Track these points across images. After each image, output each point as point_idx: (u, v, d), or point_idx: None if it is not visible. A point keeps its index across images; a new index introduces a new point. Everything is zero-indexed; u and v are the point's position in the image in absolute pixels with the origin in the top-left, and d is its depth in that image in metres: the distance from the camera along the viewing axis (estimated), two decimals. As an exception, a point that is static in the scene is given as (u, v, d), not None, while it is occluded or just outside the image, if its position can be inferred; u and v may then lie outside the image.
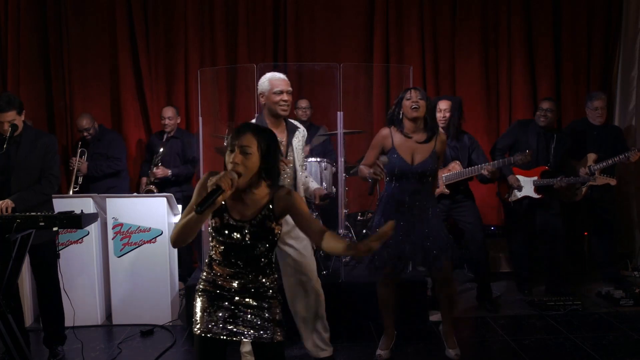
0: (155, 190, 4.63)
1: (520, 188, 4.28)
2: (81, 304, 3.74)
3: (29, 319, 3.88)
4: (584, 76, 5.51)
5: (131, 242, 3.93)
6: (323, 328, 3.12)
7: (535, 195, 4.23)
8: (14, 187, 3.09)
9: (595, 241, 4.82)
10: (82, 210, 2.84)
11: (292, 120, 3.15)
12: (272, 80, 2.98)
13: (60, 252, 3.39)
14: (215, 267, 2.02)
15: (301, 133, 3.12)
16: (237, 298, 2.00)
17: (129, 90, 5.34)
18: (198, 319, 2.00)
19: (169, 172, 4.75)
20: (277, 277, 2.09)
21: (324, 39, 5.51)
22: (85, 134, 4.71)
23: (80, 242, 3.90)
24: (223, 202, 1.97)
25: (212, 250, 2.03)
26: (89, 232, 3.88)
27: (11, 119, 3.08)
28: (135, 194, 4.60)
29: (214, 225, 1.99)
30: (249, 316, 1.99)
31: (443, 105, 3.98)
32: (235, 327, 1.98)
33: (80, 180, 4.63)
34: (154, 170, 4.72)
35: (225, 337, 1.97)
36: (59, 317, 3.38)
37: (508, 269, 4.87)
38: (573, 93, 5.48)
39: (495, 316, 3.95)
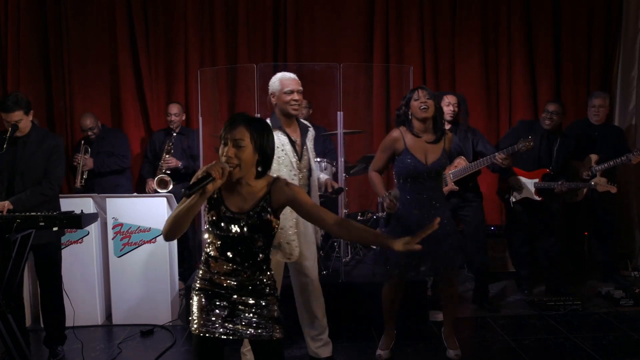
0: (168, 180, 4.69)
1: (520, 190, 4.27)
2: (81, 304, 3.74)
3: (28, 319, 3.87)
4: (584, 76, 5.50)
5: (131, 242, 3.93)
6: (322, 328, 3.12)
7: (536, 198, 4.21)
8: (18, 186, 3.09)
9: (595, 241, 4.82)
10: (82, 210, 2.84)
11: (303, 120, 3.15)
12: (282, 80, 2.98)
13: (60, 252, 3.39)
14: (212, 264, 1.99)
15: (311, 132, 3.13)
16: (235, 296, 1.98)
17: (129, 90, 5.34)
18: (195, 318, 1.98)
19: (180, 163, 4.78)
20: (273, 274, 2.07)
21: (324, 39, 5.50)
22: (89, 133, 4.72)
23: (80, 242, 3.90)
24: (219, 195, 1.95)
25: (209, 247, 2.01)
26: (89, 232, 3.88)
27: (18, 119, 3.07)
28: (135, 194, 4.60)
29: (211, 219, 1.96)
30: (247, 314, 1.97)
31: (452, 99, 3.96)
32: (233, 326, 1.96)
33: (85, 174, 4.66)
34: (167, 157, 4.74)
35: (223, 336, 1.95)
36: (60, 318, 3.38)
37: (508, 269, 4.87)
38: (573, 93, 5.48)
39: (495, 316, 3.96)
